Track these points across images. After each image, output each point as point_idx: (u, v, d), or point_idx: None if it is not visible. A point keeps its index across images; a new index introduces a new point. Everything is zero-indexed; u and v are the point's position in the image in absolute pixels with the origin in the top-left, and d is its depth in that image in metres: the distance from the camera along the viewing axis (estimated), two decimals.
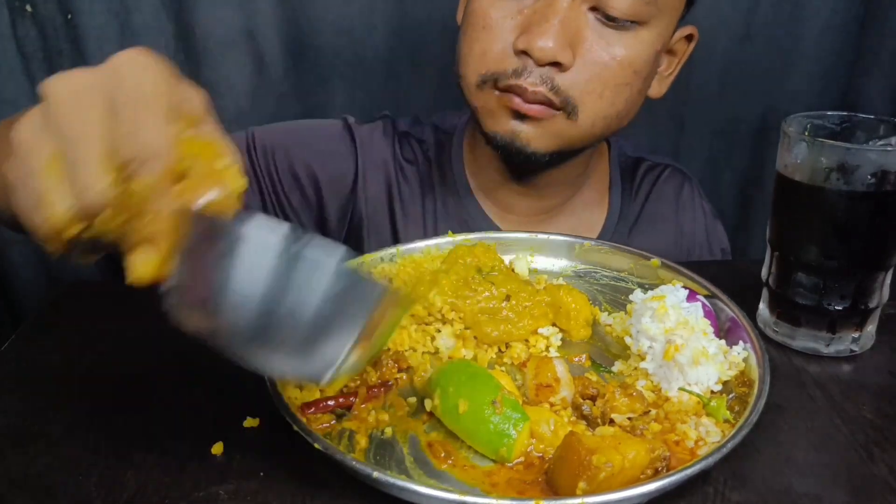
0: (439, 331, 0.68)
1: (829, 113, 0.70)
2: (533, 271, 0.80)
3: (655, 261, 0.77)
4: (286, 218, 0.93)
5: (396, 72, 1.29)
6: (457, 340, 0.68)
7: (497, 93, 0.81)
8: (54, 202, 0.40)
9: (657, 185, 1.03)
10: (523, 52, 0.78)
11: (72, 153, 0.40)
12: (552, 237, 0.82)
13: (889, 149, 0.63)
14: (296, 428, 0.52)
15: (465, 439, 0.56)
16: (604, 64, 0.79)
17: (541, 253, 0.82)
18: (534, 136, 0.81)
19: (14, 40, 1.17)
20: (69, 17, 1.17)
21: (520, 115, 0.80)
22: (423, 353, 0.67)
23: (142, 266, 0.44)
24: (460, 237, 0.81)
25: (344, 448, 0.56)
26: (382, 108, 1.31)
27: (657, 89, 0.90)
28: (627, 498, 0.48)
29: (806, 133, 0.69)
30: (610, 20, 0.77)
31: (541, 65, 0.77)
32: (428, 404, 0.58)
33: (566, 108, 0.79)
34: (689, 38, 0.89)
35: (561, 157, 0.86)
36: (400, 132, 0.99)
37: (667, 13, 0.81)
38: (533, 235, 0.82)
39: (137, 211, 0.42)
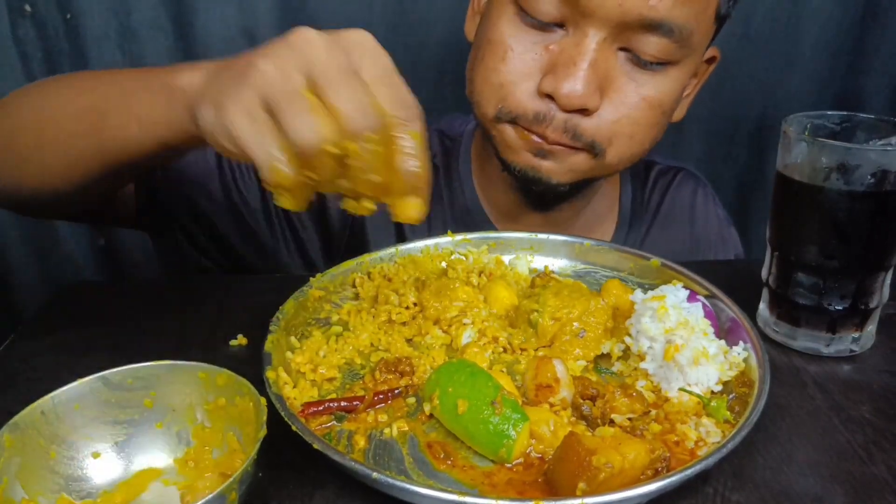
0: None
1: (829, 113, 0.70)
2: (533, 271, 0.80)
3: (655, 261, 0.77)
4: (288, 221, 0.92)
5: None
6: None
7: (516, 127, 0.78)
8: (320, 124, 0.46)
9: (670, 192, 1.01)
10: (547, 96, 0.75)
11: (334, 91, 0.47)
12: (552, 237, 0.82)
13: (889, 148, 0.63)
14: (295, 428, 0.52)
15: (464, 440, 0.56)
16: (634, 105, 0.76)
17: (541, 253, 0.82)
18: (556, 171, 0.80)
19: (14, 40, 1.18)
20: (68, 17, 1.17)
21: (541, 152, 0.78)
22: (426, 352, 0.67)
23: (413, 210, 0.53)
24: (459, 237, 0.81)
25: (343, 448, 0.56)
26: None
27: (679, 113, 0.87)
28: (627, 498, 0.47)
29: (806, 133, 0.69)
30: (640, 62, 0.75)
31: (566, 110, 0.75)
32: (426, 406, 0.58)
33: (591, 149, 0.77)
34: (710, 60, 0.86)
35: (583, 185, 0.85)
36: None
37: (697, 50, 0.78)
38: (533, 235, 0.82)
39: (389, 162, 0.50)
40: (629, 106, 0.76)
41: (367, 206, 0.54)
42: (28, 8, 1.16)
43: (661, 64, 0.75)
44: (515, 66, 0.76)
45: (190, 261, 0.92)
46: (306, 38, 0.48)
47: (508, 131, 0.79)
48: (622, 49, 0.74)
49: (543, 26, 0.74)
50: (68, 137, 0.66)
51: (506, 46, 0.76)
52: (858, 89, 1.43)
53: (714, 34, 0.81)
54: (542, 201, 0.90)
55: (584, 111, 0.75)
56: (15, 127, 0.70)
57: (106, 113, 0.63)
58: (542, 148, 0.77)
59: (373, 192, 0.52)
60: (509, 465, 0.53)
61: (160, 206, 0.87)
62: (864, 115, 0.69)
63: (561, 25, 0.74)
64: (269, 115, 0.47)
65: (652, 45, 0.73)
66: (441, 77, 1.30)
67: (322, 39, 0.48)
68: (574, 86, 0.72)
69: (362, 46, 0.50)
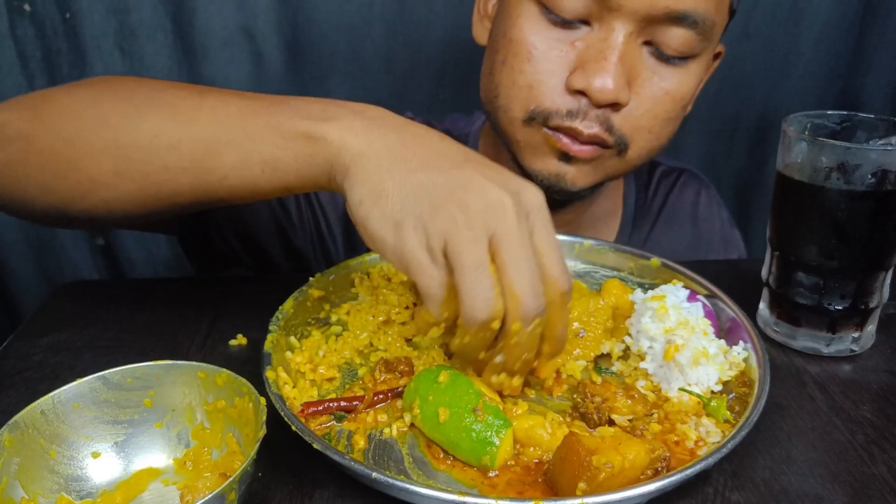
0: None
1: (829, 112, 0.70)
2: None
3: (655, 261, 0.77)
4: (286, 215, 0.92)
5: (395, 69, 1.29)
6: None
7: (545, 130, 0.77)
8: (496, 303, 0.50)
9: (673, 192, 1.01)
10: (579, 92, 0.74)
11: (516, 271, 0.49)
12: None
13: (889, 148, 0.63)
14: (295, 428, 0.52)
15: (447, 449, 0.55)
16: (657, 100, 0.76)
17: None
18: (580, 176, 0.79)
19: (13, 39, 1.17)
20: (67, 16, 1.17)
21: (567, 156, 0.77)
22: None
23: (551, 369, 0.60)
24: None
25: (343, 448, 0.55)
26: (381, 105, 1.32)
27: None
28: (627, 498, 0.47)
29: (806, 133, 0.69)
30: (663, 56, 0.75)
31: (599, 106, 0.74)
32: (407, 416, 0.57)
33: (618, 145, 0.77)
34: (716, 55, 0.86)
35: (600, 186, 0.85)
36: None
37: (714, 43, 0.78)
38: None
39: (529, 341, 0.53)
40: (652, 100, 0.76)
41: (515, 385, 0.57)
42: (27, 7, 1.16)
43: (683, 58, 0.76)
44: (542, 66, 0.75)
45: (218, 264, 0.91)
46: (501, 202, 0.50)
47: (536, 135, 0.78)
48: (646, 43, 0.75)
49: (567, 24, 0.74)
50: (159, 169, 0.60)
51: (529, 45, 0.75)
52: (858, 89, 1.43)
53: (724, 28, 0.81)
54: (554, 204, 0.89)
55: (615, 106, 0.75)
56: (79, 145, 0.61)
57: (219, 150, 0.58)
58: (571, 151, 0.76)
59: (521, 366, 0.55)
60: (493, 474, 0.53)
61: (202, 214, 0.86)
62: (864, 115, 0.69)
63: (585, 22, 0.74)
64: (446, 258, 0.50)
65: (677, 37, 0.73)
66: (441, 77, 1.30)
67: (512, 204, 0.50)
68: (606, 80, 0.72)
69: (538, 210, 0.52)
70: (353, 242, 0.94)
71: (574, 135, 0.75)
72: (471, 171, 0.51)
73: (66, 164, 0.62)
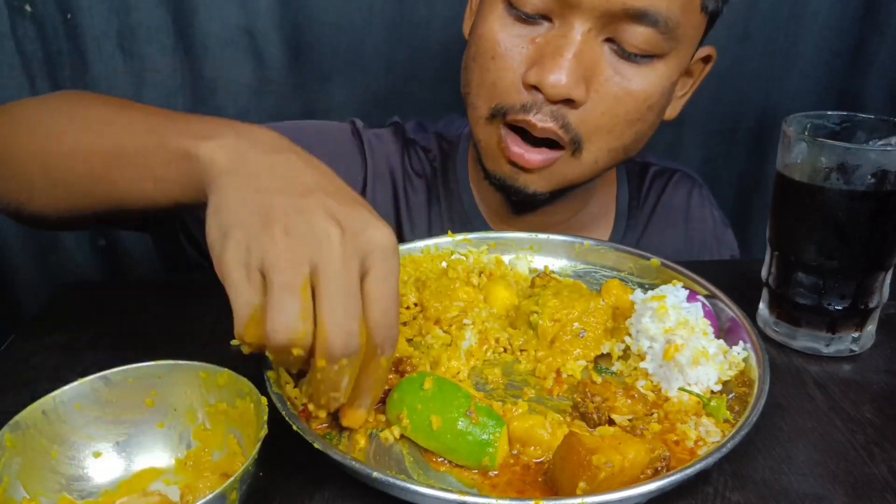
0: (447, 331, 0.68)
1: (829, 113, 0.70)
2: (533, 271, 0.80)
3: (655, 261, 0.77)
4: None
5: (396, 70, 1.29)
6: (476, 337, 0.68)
7: (502, 130, 0.78)
8: (298, 331, 0.47)
9: (666, 193, 1.01)
10: (534, 87, 0.74)
11: (329, 307, 0.47)
12: (552, 237, 0.82)
13: (889, 148, 0.63)
14: (296, 428, 0.52)
15: (443, 455, 0.54)
16: (618, 99, 0.75)
17: (541, 253, 0.82)
18: (532, 180, 0.80)
19: (13, 40, 1.17)
20: (69, 16, 1.17)
21: (519, 166, 0.78)
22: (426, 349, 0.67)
23: (358, 420, 0.55)
24: (460, 237, 0.81)
25: (343, 448, 0.56)
26: (381, 105, 1.32)
27: (673, 111, 0.86)
28: (627, 498, 0.48)
29: (806, 133, 0.69)
30: (626, 54, 0.74)
31: (552, 101, 0.74)
32: (395, 429, 0.56)
33: (573, 144, 0.77)
34: (705, 59, 0.85)
35: (563, 192, 0.84)
36: (406, 139, 0.97)
37: (686, 42, 0.77)
38: (533, 235, 0.82)
39: (354, 373, 0.51)
40: (613, 99, 0.75)
41: (320, 415, 0.55)
42: (28, 7, 1.16)
43: (648, 57, 0.75)
44: (504, 63, 0.76)
45: (190, 261, 0.92)
46: (328, 234, 0.48)
47: (493, 136, 0.79)
48: (608, 41, 0.74)
49: (530, 19, 0.75)
50: (77, 177, 0.64)
51: (495, 42, 0.76)
52: (858, 89, 1.43)
53: (705, 30, 0.80)
54: (525, 207, 0.90)
55: (570, 103, 0.74)
56: (21, 150, 0.68)
57: (118, 164, 0.61)
58: (520, 162, 0.78)
59: (327, 403, 0.52)
60: (493, 473, 0.53)
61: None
62: (864, 115, 0.69)
63: (547, 18, 0.74)
64: (262, 277, 0.48)
65: (638, 35, 0.73)
66: (441, 77, 1.30)
67: (341, 240, 0.48)
68: (559, 76, 0.72)
69: (378, 252, 0.49)
70: None
71: (529, 128, 0.76)
72: (315, 200, 0.50)
73: (8, 169, 0.68)
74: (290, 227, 0.48)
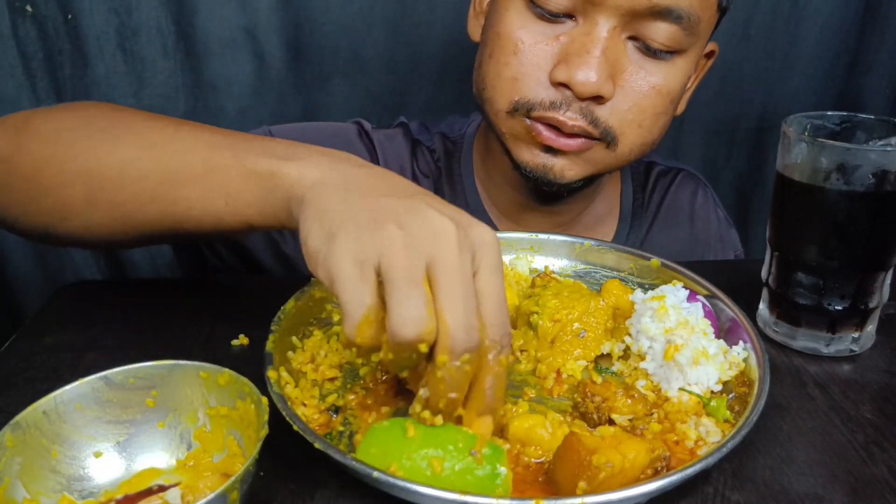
0: None
1: (829, 113, 0.70)
2: (533, 271, 0.80)
3: (655, 261, 0.77)
4: None
5: (396, 70, 1.29)
6: None
7: (528, 121, 0.78)
8: (425, 324, 0.46)
9: (670, 192, 1.01)
10: (561, 84, 0.75)
11: (450, 301, 0.46)
12: (552, 237, 0.82)
13: (889, 149, 0.63)
14: (296, 428, 0.52)
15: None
16: (643, 94, 0.77)
17: (541, 253, 0.82)
18: (568, 167, 0.80)
19: (14, 40, 1.18)
20: (69, 17, 1.17)
21: (552, 149, 0.78)
22: None
23: (485, 428, 0.51)
24: None
25: (344, 448, 0.56)
26: (381, 106, 1.32)
27: (679, 106, 0.87)
28: (627, 498, 0.48)
29: (806, 133, 0.69)
30: (649, 51, 0.76)
31: (582, 99, 0.75)
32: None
33: (605, 138, 0.78)
34: (708, 54, 0.87)
35: (591, 180, 0.85)
36: (413, 140, 0.97)
37: (702, 37, 0.79)
38: (533, 235, 0.82)
39: (472, 380, 0.50)
40: (639, 94, 0.77)
41: (436, 422, 0.51)
42: (29, 8, 1.16)
43: (670, 52, 0.76)
44: (527, 59, 0.76)
45: (209, 267, 0.92)
46: (444, 229, 0.47)
47: (520, 126, 0.79)
48: (631, 38, 0.75)
49: (553, 17, 0.75)
50: (127, 202, 0.61)
51: (516, 39, 0.76)
52: (858, 89, 1.43)
53: (715, 26, 0.81)
54: (548, 198, 0.90)
55: (599, 99, 0.75)
56: (52, 170, 0.62)
57: (184, 183, 0.59)
58: (555, 145, 0.77)
59: (446, 406, 0.50)
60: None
61: None
62: (864, 115, 0.69)
63: (570, 16, 0.75)
64: (377, 277, 0.47)
65: (661, 32, 0.74)
66: (441, 77, 1.30)
67: (456, 235, 0.47)
68: (588, 74, 0.73)
69: (486, 248, 0.49)
70: None
71: (557, 126, 0.76)
72: (421, 200, 0.50)
73: (41, 189, 0.63)
74: (403, 223, 0.47)
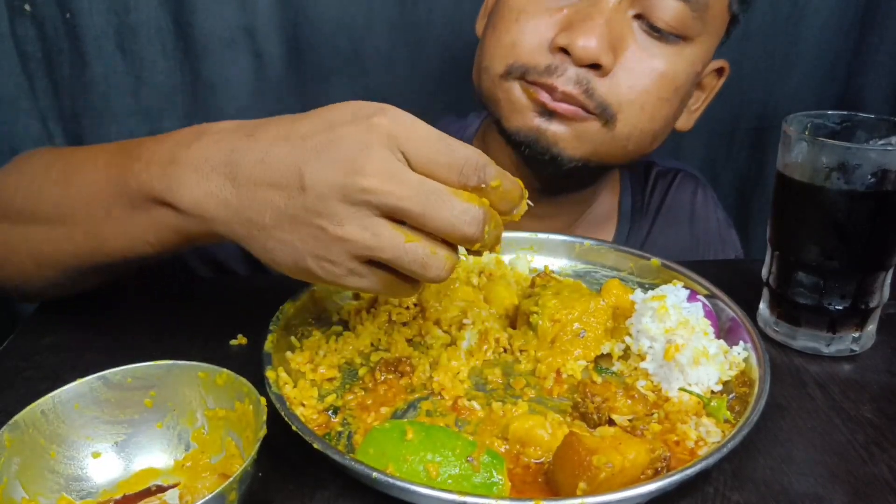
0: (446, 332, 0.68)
1: (829, 113, 0.70)
2: (533, 271, 0.80)
3: (655, 261, 0.77)
4: None
5: (396, 70, 1.29)
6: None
7: (522, 83, 0.77)
8: (440, 258, 0.48)
9: (670, 193, 1.01)
10: (561, 50, 0.74)
11: (430, 220, 0.47)
12: (552, 237, 0.82)
13: (889, 148, 0.63)
14: (295, 428, 0.52)
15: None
16: (646, 74, 0.76)
17: (541, 253, 0.82)
18: (562, 137, 0.77)
19: (13, 39, 1.17)
20: (68, 16, 1.17)
21: (547, 112, 0.76)
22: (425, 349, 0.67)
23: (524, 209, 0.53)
24: None
25: (343, 448, 0.55)
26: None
27: (684, 122, 0.86)
28: (627, 498, 0.47)
29: (806, 133, 0.69)
30: (655, 31, 0.75)
31: (580, 65, 0.74)
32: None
33: (603, 114, 0.76)
34: (719, 72, 0.86)
35: (587, 169, 0.81)
36: None
37: (711, 33, 0.78)
38: (533, 235, 0.82)
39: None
40: (641, 74, 0.76)
41: (497, 250, 0.54)
42: (27, 7, 1.16)
43: (676, 36, 0.75)
44: (529, 26, 0.76)
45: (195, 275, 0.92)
46: (352, 182, 0.47)
47: (514, 90, 0.78)
48: (637, 17, 0.75)
49: None
50: (67, 258, 0.64)
51: (520, 8, 0.77)
52: (858, 89, 1.43)
53: (726, 32, 0.81)
54: (544, 180, 0.87)
55: (598, 68, 0.74)
56: (3, 243, 0.68)
57: (105, 238, 0.60)
58: (548, 105, 0.75)
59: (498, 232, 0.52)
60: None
61: None
62: (864, 115, 0.69)
63: None
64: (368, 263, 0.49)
65: (668, 9, 0.73)
66: (441, 77, 1.30)
67: (364, 175, 0.47)
68: (589, 39, 0.72)
69: (390, 124, 0.49)
70: None
71: (549, 91, 0.75)
72: (309, 174, 0.48)
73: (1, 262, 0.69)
74: (332, 217, 0.47)
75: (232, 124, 0.55)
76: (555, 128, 0.77)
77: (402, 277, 0.51)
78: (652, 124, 0.79)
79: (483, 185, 0.49)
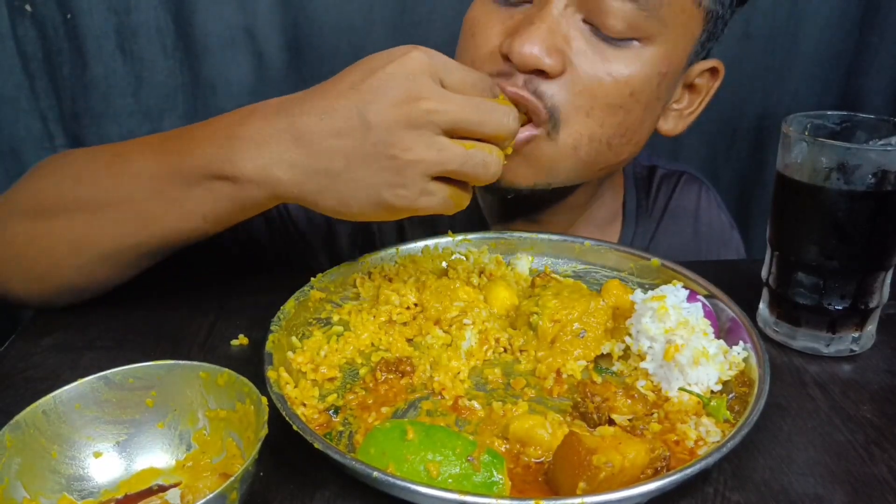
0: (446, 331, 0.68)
1: (829, 113, 0.70)
2: (533, 271, 0.80)
3: (655, 261, 0.77)
4: (289, 216, 0.93)
5: None
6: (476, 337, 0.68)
7: None
8: (495, 159, 0.61)
9: (674, 197, 1.00)
10: (507, 57, 0.72)
11: (477, 128, 0.59)
12: (552, 237, 0.82)
13: (889, 148, 0.63)
14: (296, 427, 0.52)
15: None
16: (596, 79, 0.72)
17: (541, 253, 0.82)
18: (513, 170, 0.73)
19: (14, 39, 1.18)
20: (68, 16, 1.17)
21: None
22: (425, 349, 0.67)
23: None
24: (460, 237, 0.81)
25: (344, 448, 0.56)
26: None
27: (675, 126, 0.83)
28: (627, 498, 0.48)
29: (806, 133, 0.69)
30: (604, 36, 0.71)
31: (523, 71, 0.71)
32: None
33: (552, 118, 0.72)
34: (712, 73, 0.82)
35: (547, 191, 0.79)
36: None
37: (674, 31, 0.73)
38: (533, 235, 0.82)
39: None
40: (591, 79, 0.72)
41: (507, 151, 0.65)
42: (28, 7, 1.16)
43: (629, 40, 0.72)
44: (481, 39, 0.76)
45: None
46: (409, 108, 0.56)
47: None
48: (587, 22, 0.72)
49: (512, 4, 0.75)
50: (109, 240, 0.67)
51: (475, 24, 0.77)
52: (858, 89, 1.43)
53: (704, 29, 0.76)
54: (519, 208, 0.88)
55: (543, 74, 0.71)
56: (39, 233, 0.70)
57: (157, 217, 0.65)
58: None
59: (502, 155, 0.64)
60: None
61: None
62: (864, 115, 0.69)
63: (529, 1, 0.74)
64: (439, 179, 0.59)
65: (617, 13, 0.70)
66: None
67: (416, 100, 0.56)
68: (530, 45, 0.70)
69: (420, 63, 0.58)
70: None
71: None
72: (372, 114, 0.56)
73: (33, 253, 0.70)
74: (396, 144, 0.56)
75: (276, 100, 0.62)
76: (507, 165, 0.75)
77: (462, 187, 0.61)
78: (602, 130, 0.74)
79: (496, 96, 0.62)
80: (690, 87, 0.81)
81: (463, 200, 0.62)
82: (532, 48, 0.69)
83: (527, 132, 0.73)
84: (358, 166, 0.56)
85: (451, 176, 0.59)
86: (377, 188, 0.57)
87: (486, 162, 0.59)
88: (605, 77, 0.72)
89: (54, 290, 0.73)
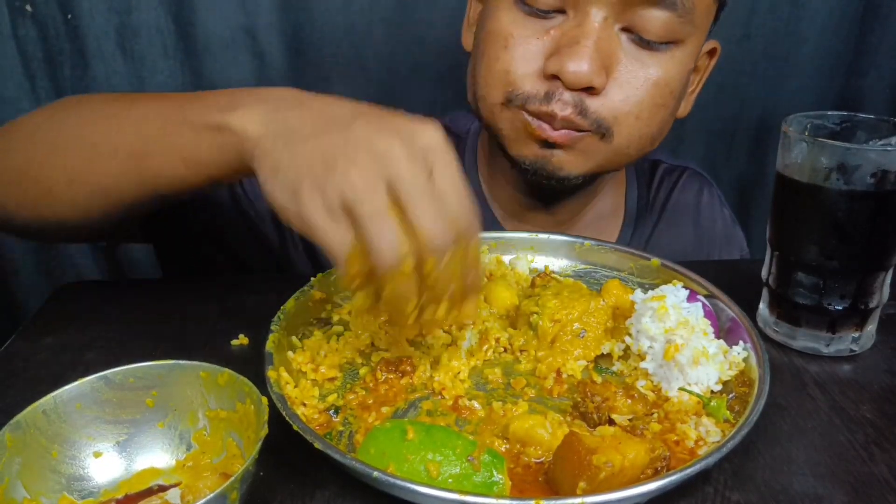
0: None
1: (829, 113, 0.70)
2: (533, 271, 0.80)
3: (655, 261, 0.77)
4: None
5: (396, 71, 1.29)
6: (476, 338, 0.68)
7: (525, 115, 0.77)
8: (402, 244, 0.49)
9: (675, 190, 1.01)
10: (553, 76, 0.74)
11: (418, 209, 0.49)
12: (552, 237, 0.82)
13: (889, 148, 0.63)
14: (296, 427, 0.52)
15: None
16: (639, 85, 0.76)
17: (541, 253, 0.82)
18: (566, 160, 0.79)
19: (14, 40, 1.18)
20: (69, 16, 1.17)
21: (549, 143, 0.78)
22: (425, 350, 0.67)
23: (473, 309, 0.56)
24: None
25: (344, 448, 0.56)
26: (381, 105, 1.32)
27: (685, 108, 0.87)
28: (627, 498, 0.48)
29: (806, 133, 0.69)
30: (644, 42, 0.75)
31: (573, 89, 0.74)
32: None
33: (598, 129, 0.76)
34: (711, 53, 0.86)
35: (594, 177, 0.84)
36: None
37: (700, 30, 0.78)
38: (533, 235, 0.82)
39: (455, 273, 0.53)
40: (634, 86, 0.76)
41: (436, 333, 0.61)
42: (29, 7, 1.16)
43: (666, 44, 0.75)
44: (518, 52, 0.76)
45: (193, 267, 0.92)
46: (389, 148, 0.50)
47: (516, 120, 0.78)
48: (625, 30, 0.75)
49: (543, 14, 0.75)
50: (103, 177, 0.66)
51: (507, 34, 0.76)
52: (858, 89, 1.43)
53: (714, 18, 0.80)
54: (549, 196, 0.89)
55: (591, 90, 0.75)
56: (37, 161, 0.69)
57: (146, 153, 0.63)
58: (549, 138, 0.77)
59: (444, 306, 0.54)
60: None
61: (166, 214, 0.87)
62: (864, 115, 0.69)
63: (561, 11, 0.75)
64: (347, 215, 0.50)
65: (655, 21, 0.73)
66: (441, 77, 1.30)
67: (403, 149, 0.50)
68: (580, 64, 0.72)
69: (435, 150, 0.52)
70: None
71: (549, 120, 0.76)
72: (360, 126, 0.52)
73: (29, 180, 0.69)
74: (352, 158, 0.50)
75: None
76: (558, 154, 0.79)
77: (370, 282, 0.53)
78: (650, 129, 0.80)
79: (457, 243, 0.52)
80: (695, 68, 0.85)
81: (363, 301, 0.54)
82: (583, 67, 0.72)
83: (566, 134, 0.77)
84: (309, 144, 0.52)
85: (355, 219, 0.49)
86: (302, 178, 0.51)
87: (389, 237, 0.49)
88: (647, 82, 0.76)
89: (52, 218, 0.71)
